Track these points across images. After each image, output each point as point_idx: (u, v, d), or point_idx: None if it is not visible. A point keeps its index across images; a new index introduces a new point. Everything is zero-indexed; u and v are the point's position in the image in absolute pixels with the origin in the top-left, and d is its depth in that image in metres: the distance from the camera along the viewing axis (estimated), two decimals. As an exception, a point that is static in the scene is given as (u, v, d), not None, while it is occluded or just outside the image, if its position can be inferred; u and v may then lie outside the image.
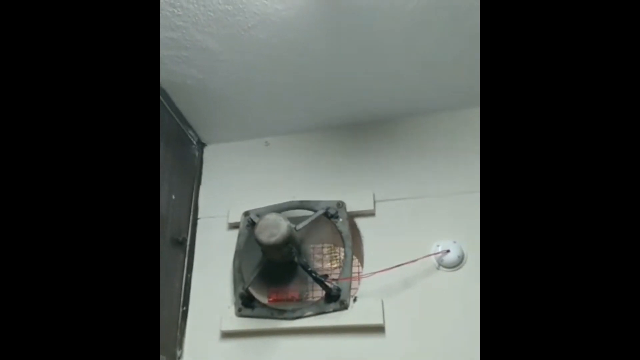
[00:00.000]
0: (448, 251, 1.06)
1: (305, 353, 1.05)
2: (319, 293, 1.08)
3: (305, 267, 1.04)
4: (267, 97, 1.22)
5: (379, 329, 1.03)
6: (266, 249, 1.01)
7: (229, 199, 1.26)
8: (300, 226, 1.09)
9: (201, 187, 1.32)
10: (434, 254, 1.07)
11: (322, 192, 1.19)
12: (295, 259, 1.04)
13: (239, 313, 1.09)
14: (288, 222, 1.00)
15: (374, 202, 1.16)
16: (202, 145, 1.37)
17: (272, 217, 1.01)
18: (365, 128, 1.27)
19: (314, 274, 1.03)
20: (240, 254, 1.16)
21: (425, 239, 1.10)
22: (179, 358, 1.09)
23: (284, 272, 1.10)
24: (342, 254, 1.11)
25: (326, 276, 1.06)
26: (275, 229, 0.99)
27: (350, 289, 1.07)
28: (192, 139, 1.32)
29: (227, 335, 1.10)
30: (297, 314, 1.06)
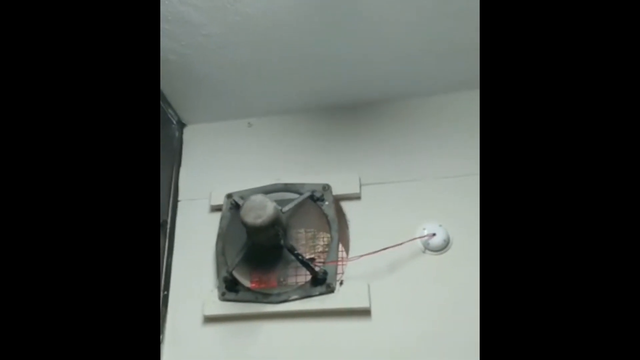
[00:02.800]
0: (434, 235, 1.06)
1: (291, 337, 1.03)
2: (303, 278, 1.06)
3: (291, 250, 1.02)
4: (252, 75, 1.18)
5: (365, 313, 1.02)
6: (252, 231, 0.99)
7: (210, 181, 1.23)
8: (286, 209, 1.07)
9: (181, 169, 1.28)
10: (420, 237, 1.06)
11: (307, 175, 1.17)
12: (282, 242, 1.01)
13: (223, 297, 1.06)
14: (274, 204, 0.97)
15: (360, 186, 1.15)
16: (182, 125, 1.33)
17: (258, 198, 0.98)
18: (352, 110, 1.25)
19: (300, 257, 1.01)
20: (223, 237, 1.13)
21: (411, 223, 1.09)
22: (160, 344, 1.06)
23: (268, 256, 1.07)
24: (328, 237, 1.09)
25: (312, 259, 1.04)
26: (261, 211, 0.96)
27: (336, 272, 1.05)
28: (172, 119, 1.28)
29: (210, 320, 1.07)
30: (282, 297, 1.04)
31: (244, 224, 0.97)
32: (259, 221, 0.95)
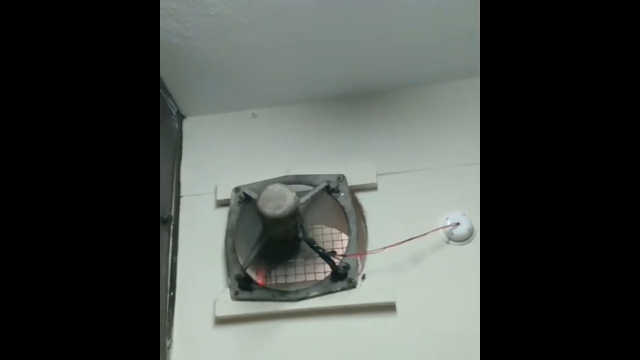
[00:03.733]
0: (458, 224, 1.01)
1: (311, 336, 0.96)
2: (322, 273, 0.99)
3: (310, 243, 0.95)
4: (258, 62, 1.12)
5: (390, 308, 0.96)
6: (270, 223, 0.92)
7: (214, 175, 1.15)
8: (303, 199, 1.00)
9: (182, 163, 1.20)
10: (443, 227, 1.02)
11: (319, 166, 1.11)
12: (301, 235, 0.95)
13: (236, 296, 0.99)
14: (294, 194, 0.91)
15: (377, 176, 1.09)
16: (181, 117, 1.25)
17: (276, 187, 0.91)
18: (365, 99, 1.20)
19: (320, 250, 0.95)
20: (232, 233, 1.06)
21: (432, 213, 1.04)
22: (168, 349, 0.97)
23: (285, 250, 1.01)
24: (346, 230, 1.03)
25: (333, 253, 0.98)
26: (281, 201, 0.89)
27: (357, 266, 0.99)
28: (171, 109, 1.20)
29: (222, 321, 0.99)
30: (301, 294, 0.97)
31: (262, 216, 0.90)
32: (278, 212, 0.89)
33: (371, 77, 1.19)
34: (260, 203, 0.90)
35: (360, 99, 1.20)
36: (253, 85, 1.20)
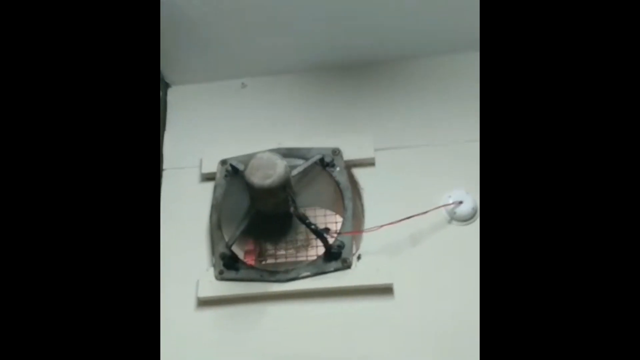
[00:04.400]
0: (461, 202, 0.94)
1: (301, 320, 0.89)
2: (314, 252, 0.92)
3: (302, 218, 0.87)
4: (248, 26, 1.04)
5: (387, 290, 0.89)
6: (258, 194, 0.84)
7: (200, 147, 1.07)
8: (295, 172, 0.92)
9: (166, 134, 1.11)
10: (445, 205, 0.94)
11: (313, 139, 1.03)
12: (291, 209, 0.87)
13: (220, 276, 0.91)
14: (285, 162, 0.83)
15: (374, 150, 1.01)
16: (166, 85, 1.16)
17: (265, 155, 0.83)
18: (362, 70, 1.12)
19: (313, 227, 0.87)
20: (218, 208, 0.98)
21: (433, 191, 0.97)
22: (145, 331, 0.89)
23: (274, 227, 0.93)
24: (341, 207, 0.95)
25: (327, 230, 0.90)
26: (270, 170, 0.81)
27: (352, 245, 0.92)
28: (155, 76, 1.11)
29: (205, 302, 0.91)
30: (292, 275, 0.89)
31: (250, 186, 0.82)
32: (267, 182, 0.81)
33: (370, 48, 1.11)
34: (247, 172, 0.82)
35: (358, 70, 1.12)
36: (243, 53, 1.12)
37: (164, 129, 1.11)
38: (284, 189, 0.83)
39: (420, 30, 1.08)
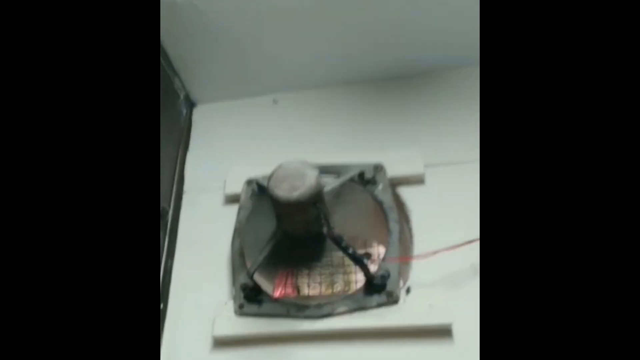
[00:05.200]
0: (531, 225, 0.77)
1: (337, 367, 0.72)
2: (354, 283, 0.76)
3: (338, 240, 0.72)
4: (281, 41, 0.96)
5: (443, 332, 0.72)
6: (285, 211, 0.70)
7: (224, 168, 0.95)
8: (329, 187, 0.79)
9: (188, 154, 1.01)
10: (512, 229, 0.77)
11: (351, 154, 0.90)
12: (325, 230, 0.72)
13: (240, 311, 0.76)
14: (317, 172, 0.70)
15: (424, 167, 0.87)
16: (191, 104, 1.07)
17: (293, 164, 0.70)
18: (405, 81, 1.00)
19: (351, 252, 0.72)
20: (241, 233, 0.85)
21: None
22: (151, 377, 0.75)
23: (305, 252, 0.78)
24: (385, 230, 0.80)
25: (368, 255, 0.75)
26: (298, 181, 0.68)
27: (400, 275, 0.76)
28: (178, 91, 1.02)
29: (222, 342, 0.77)
30: (325, 310, 0.74)
31: (275, 201, 0.69)
32: (295, 195, 0.67)
33: (413, 58, 0.99)
34: (271, 184, 0.69)
35: (401, 82, 1.00)
36: (275, 67, 1.03)
37: (186, 149, 1.01)
38: (314, 205, 0.69)
39: (470, 36, 0.95)
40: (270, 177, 0.70)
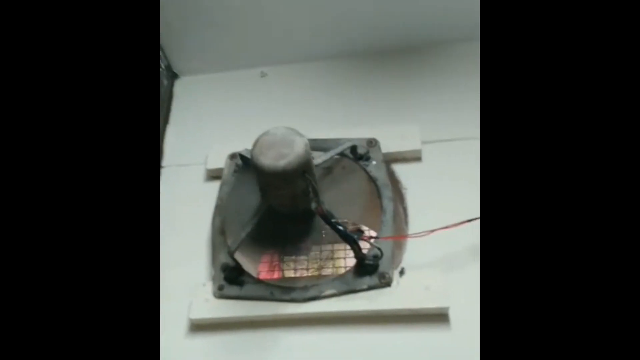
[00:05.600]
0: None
1: (324, 353, 0.66)
2: (343, 263, 0.70)
3: (327, 217, 0.66)
4: (270, 10, 0.90)
5: (440, 317, 0.66)
6: (270, 182, 0.64)
7: (207, 143, 0.89)
8: (319, 160, 0.73)
9: (169, 128, 0.95)
10: (514, 209, 0.72)
11: (343, 130, 0.84)
12: (313, 205, 0.66)
13: (220, 293, 0.70)
14: (305, 139, 0.64)
15: (421, 143, 0.81)
16: (173, 75, 1.01)
17: (280, 130, 0.64)
18: (403, 54, 0.95)
19: (341, 229, 0.66)
20: (223, 210, 0.78)
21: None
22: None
23: (291, 229, 0.72)
24: (378, 208, 0.74)
25: (360, 232, 0.69)
26: (286, 148, 0.62)
27: (393, 256, 0.70)
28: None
29: (199, 326, 0.70)
30: (312, 293, 0.68)
31: (259, 171, 0.63)
32: (282, 163, 0.61)
33: (412, 30, 0.94)
34: (255, 151, 0.63)
35: (398, 55, 0.95)
36: (264, 38, 0.97)
37: (166, 122, 0.95)
38: (303, 175, 0.63)
39: (470, 9, 0.90)
40: (254, 145, 0.64)
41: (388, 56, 0.95)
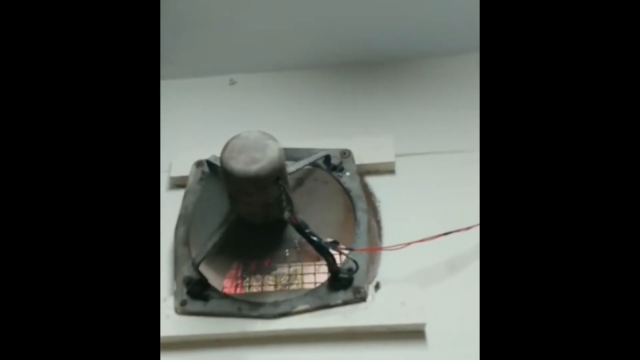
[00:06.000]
0: (509, 218, 0.71)
1: (295, 374, 0.62)
2: (313, 277, 0.67)
3: (301, 227, 0.63)
4: (241, 18, 0.88)
5: (416, 334, 0.63)
6: (240, 188, 0.60)
7: (171, 150, 0.85)
8: (292, 168, 0.70)
9: (131, 134, 0.89)
10: (490, 222, 0.71)
11: (316, 140, 0.81)
12: (286, 215, 0.63)
13: (182, 309, 0.65)
14: (278, 144, 0.60)
15: (395, 156, 0.80)
16: (137, 80, 0.96)
17: (253, 134, 0.61)
18: (377, 67, 0.95)
19: (315, 239, 0.62)
20: (187, 219, 0.74)
21: (470, 206, 0.73)
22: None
23: (260, 240, 0.68)
24: (352, 220, 0.72)
25: (334, 244, 0.65)
26: (259, 152, 0.59)
27: (368, 269, 0.67)
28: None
29: (161, 345, 0.65)
30: (283, 308, 0.64)
31: (229, 176, 0.59)
32: (254, 168, 0.58)
33: (386, 43, 0.95)
34: (225, 155, 0.59)
35: (373, 68, 0.95)
36: (233, 46, 0.95)
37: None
38: (276, 181, 0.60)
39: (449, 23, 0.90)
40: (224, 148, 0.60)
41: (362, 68, 0.94)
